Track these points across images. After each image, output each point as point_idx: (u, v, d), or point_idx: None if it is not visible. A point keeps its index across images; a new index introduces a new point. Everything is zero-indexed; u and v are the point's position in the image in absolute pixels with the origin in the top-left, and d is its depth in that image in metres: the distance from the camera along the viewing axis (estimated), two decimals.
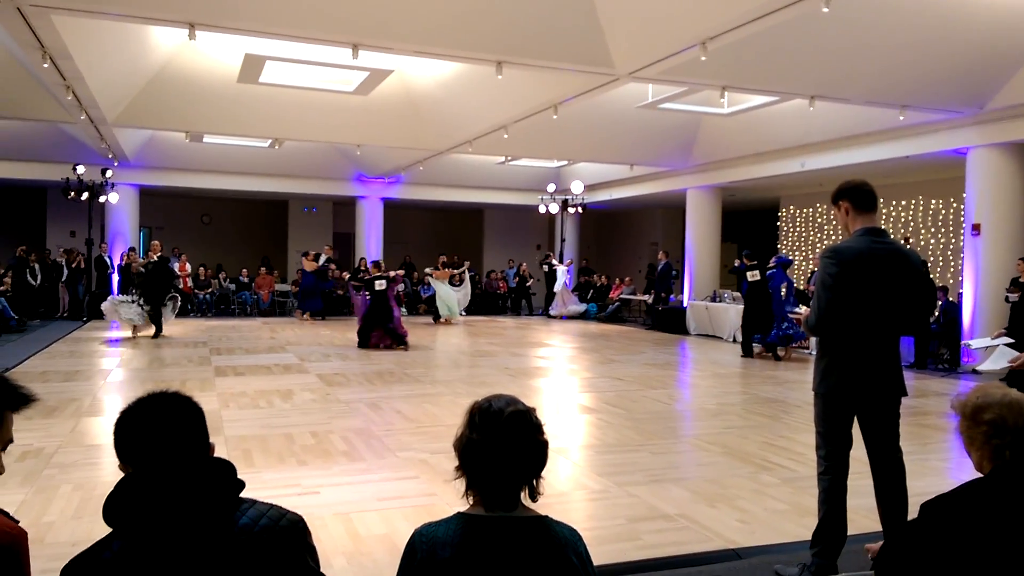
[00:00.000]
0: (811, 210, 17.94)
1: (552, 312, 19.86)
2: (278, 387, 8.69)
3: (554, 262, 20.22)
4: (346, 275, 18.48)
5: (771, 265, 12.19)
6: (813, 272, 15.29)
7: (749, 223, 21.66)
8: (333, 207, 23.17)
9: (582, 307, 20.07)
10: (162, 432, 1.55)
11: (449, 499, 4.71)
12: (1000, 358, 4.54)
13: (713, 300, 16.14)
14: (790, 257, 13.14)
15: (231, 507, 1.56)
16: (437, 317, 18.12)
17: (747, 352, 12.53)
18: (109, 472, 5.30)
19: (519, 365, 11.24)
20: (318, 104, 13.46)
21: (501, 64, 8.91)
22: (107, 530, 1.57)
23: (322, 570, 1.65)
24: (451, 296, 18.10)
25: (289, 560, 1.57)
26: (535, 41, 8.67)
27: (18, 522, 1.68)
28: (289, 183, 19.71)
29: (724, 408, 8.08)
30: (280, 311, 19.71)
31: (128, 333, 13.46)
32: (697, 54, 8.04)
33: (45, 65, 9.07)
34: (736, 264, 13.20)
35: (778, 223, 18.96)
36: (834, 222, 17.06)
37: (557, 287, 19.79)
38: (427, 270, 19.20)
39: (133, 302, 13.18)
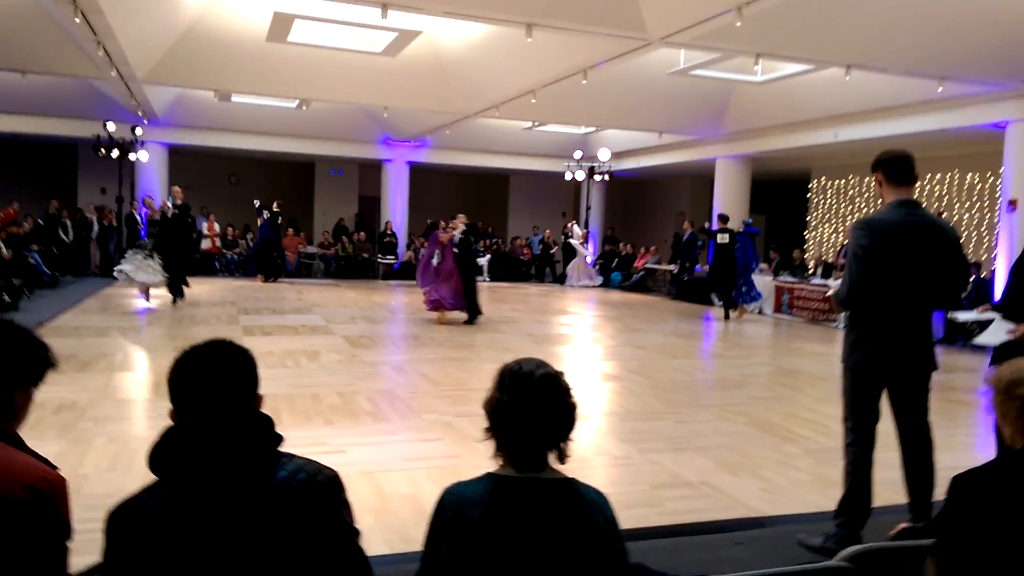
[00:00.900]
0: (843, 182, 17.62)
1: (569, 279, 19.91)
2: (305, 348, 8.80)
3: (571, 236, 20.17)
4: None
5: (740, 231, 13.41)
6: (843, 245, 15.09)
7: (779, 194, 21.34)
8: (359, 170, 23.17)
9: (598, 280, 20.01)
10: (217, 379, 1.58)
11: (473, 461, 4.76)
12: (998, 330, 4.45)
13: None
14: (758, 227, 14.51)
15: (271, 460, 1.59)
16: None
17: (728, 314, 13.48)
18: (141, 426, 5.43)
19: (542, 332, 11.28)
20: (346, 65, 13.39)
21: (531, 27, 8.78)
22: (139, 482, 1.61)
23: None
24: None
25: (326, 514, 1.60)
26: (566, 3, 8.52)
27: (57, 470, 1.73)
28: (316, 144, 19.71)
29: (748, 379, 8.05)
30: (307, 272, 19.87)
31: (144, 301, 11.97)
32: (732, 19, 7.86)
33: (76, 20, 9.09)
34: (706, 226, 14.62)
35: (808, 194, 18.67)
36: (866, 194, 16.76)
37: (576, 259, 19.81)
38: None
39: (145, 256, 11.59)
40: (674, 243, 20.18)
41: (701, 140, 17.24)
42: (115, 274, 12.02)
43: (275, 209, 17.73)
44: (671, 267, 19.10)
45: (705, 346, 11.17)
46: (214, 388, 1.57)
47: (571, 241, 19.96)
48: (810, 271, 15.55)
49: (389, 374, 7.65)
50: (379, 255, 20.45)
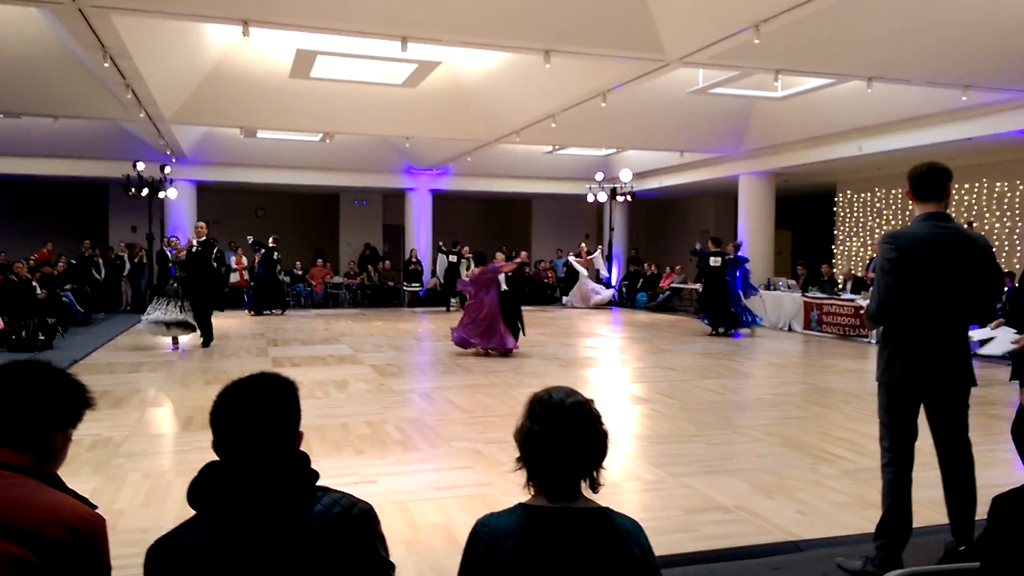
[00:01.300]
0: (869, 195, 17.44)
1: (566, 302, 19.85)
2: (333, 377, 8.84)
3: (570, 258, 20.16)
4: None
5: (729, 255, 13.67)
6: (872, 259, 14.89)
7: (804, 209, 21.17)
8: (383, 199, 23.42)
9: (608, 294, 19.91)
10: (259, 416, 1.61)
11: (504, 489, 4.74)
12: (1003, 341, 4.34)
13: (768, 288, 15.84)
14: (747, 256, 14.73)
15: (308, 496, 1.61)
16: (450, 306, 18.46)
17: (715, 330, 13.78)
18: (174, 461, 5.48)
19: (569, 355, 11.23)
20: (368, 97, 13.60)
21: (549, 53, 8.86)
22: (173, 516, 1.62)
23: None
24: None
25: (361, 548, 1.61)
26: (583, 28, 8.59)
27: (96, 508, 1.75)
28: (340, 176, 20.00)
29: (781, 398, 7.94)
30: (333, 303, 20.04)
31: (170, 345, 11.26)
32: (750, 37, 7.86)
33: (106, 64, 9.35)
34: (697, 247, 14.88)
35: (834, 208, 18.49)
36: (893, 206, 16.56)
37: (578, 283, 19.81)
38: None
39: (173, 304, 10.83)
40: (699, 262, 20.06)
41: (723, 157, 17.19)
42: (143, 327, 11.14)
43: (270, 245, 17.56)
44: (697, 286, 18.97)
45: (735, 366, 11.04)
46: (256, 425, 1.60)
47: (573, 263, 19.90)
48: (839, 286, 15.35)
49: (417, 402, 7.65)
50: (404, 283, 20.58)
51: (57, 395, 1.73)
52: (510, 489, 4.66)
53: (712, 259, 13.77)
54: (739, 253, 13.94)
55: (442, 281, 18.99)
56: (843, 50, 9.44)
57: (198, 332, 11.29)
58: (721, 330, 13.66)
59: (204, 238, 11.72)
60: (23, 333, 11.05)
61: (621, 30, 8.58)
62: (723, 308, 13.57)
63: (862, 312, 12.67)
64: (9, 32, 10.73)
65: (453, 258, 18.84)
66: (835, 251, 18.36)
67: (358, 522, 1.62)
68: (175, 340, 11.23)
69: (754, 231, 17.04)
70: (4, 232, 20.81)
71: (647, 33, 8.61)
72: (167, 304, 10.80)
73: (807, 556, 3.79)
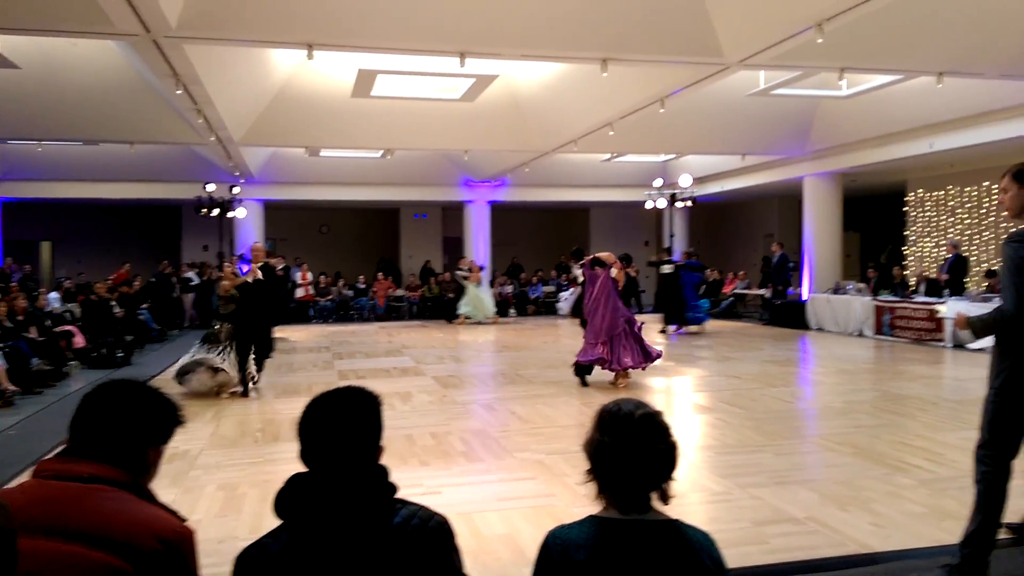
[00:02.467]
0: (942, 193, 16.78)
1: (561, 309, 19.43)
2: (397, 389, 8.98)
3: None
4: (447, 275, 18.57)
5: (681, 264, 15.55)
6: (946, 259, 14.33)
7: (873, 209, 20.52)
8: (442, 212, 23.71)
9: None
10: (344, 429, 1.68)
11: (568, 500, 4.73)
12: None
13: (836, 292, 15.41)
14: (700, 261, 16.77)
15: (388, 507, 1.67)
16: (452, 318, 18.44)
17: (665, 328, 15.11)
18: (247, 473, 5.65)
19: None
20: (427, 113, 13.82)
21: (606, 61, 8.85)
22: (248, 526, 1.69)
23: None
24: (476, 298, 18.29)
25: (438, 559, 1.66)
26: (640, 35, 8.55)
27: (185, 521, 1.81)
28: (400, 191, 20.35)
29: (852, 406, 7.70)
30: (395, 315, 20.35)
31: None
32: (813, 36, 7.70)
33: (178, 91, 9.77)
34: (652, 259, 16.94)
35: (905, 208, 17.87)
36: (968, 204, 15.90)
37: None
38: (459, 272, 19.05)
39: (211, 350, 8.72)
40: (763, 266, 19.66)
41: (787, 159, 16.83)
42: (179, 382, 8.67)
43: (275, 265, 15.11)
44: (762, 291, 18.58)
45: (804, 373, 10.77)
46: (342, 437, 1.67)
47: (577, 273, 19.47)
48: (912, 288, 14.82)
49: (480, 413, 7.70)
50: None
51: (153, 413, 1.81)
52: (575, 500, 4.66)
53: (664, 267, 15.43)
54: (689, 261, 15.91)
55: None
56: (911, 45, 9.15)
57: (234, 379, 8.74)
58: (671, 328, 15.19)
59: (262, 263, 9.32)
60: (103, 350, 11.56)
61: (679, 35, 8.51)
62: (676, 309, 15.03)
63: (938, 316, 12.21)
64: (88, 64, 11.31)
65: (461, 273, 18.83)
66: (906, 253, 17.72)
67: (435, 534, 1.67)
68: (220, 388, 8.71)
69: (820, 233, 16.60)
70: (85, 254, 21.87)
71: (706, 37, 8.52)
72: (208, 350, 8.73)
73: (883, 569, 3.67)
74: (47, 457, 1.77)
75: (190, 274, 19.07)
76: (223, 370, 8.60)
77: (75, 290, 15.65)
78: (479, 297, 18.29)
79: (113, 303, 13.81)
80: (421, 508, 1.72)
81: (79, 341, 11.52)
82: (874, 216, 20.67)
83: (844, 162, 15.48)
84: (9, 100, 11.72)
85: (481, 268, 18.98)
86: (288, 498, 1.65)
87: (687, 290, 15.15)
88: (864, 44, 8.93)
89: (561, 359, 12.01)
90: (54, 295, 14.29)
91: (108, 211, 21.82)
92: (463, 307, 18.26)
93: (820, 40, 7.71)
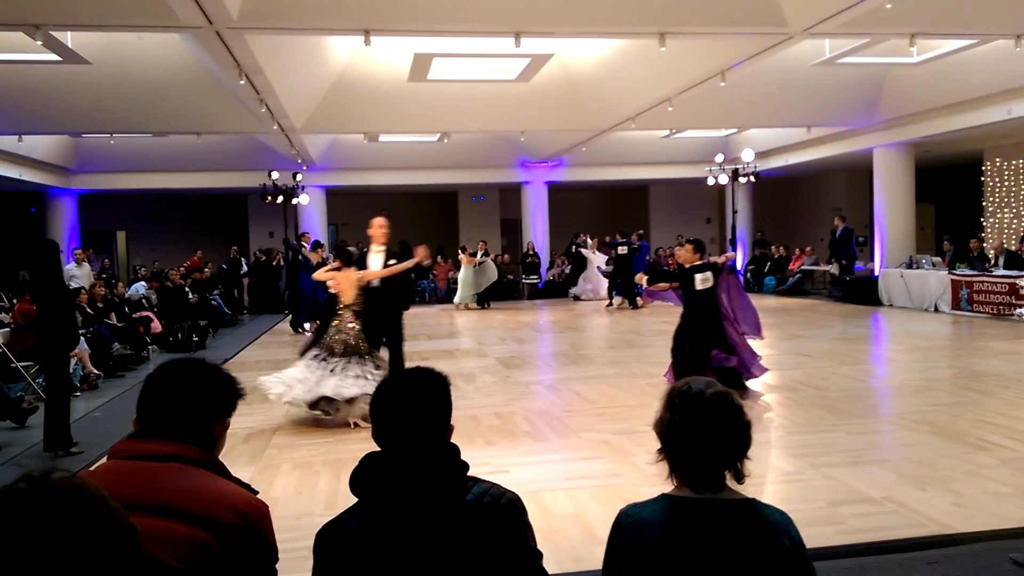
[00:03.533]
0: (1021, 161, 15.98)
1: (574, 292, 18.98)
2: (461, 370, 9.06)
3: (583, 247, 18.94)
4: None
5: (636, 247, 16.92)
6: None
7: (948, 180, 19.69)
8: (499, 194, 23.73)
9: (601, 286, 18.51)
10: (415, 409, 1.71)
11: (635, 479, 4.72)
12: None
13: (909, 267, 14.86)
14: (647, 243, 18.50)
15: (460, 485, 1.69)
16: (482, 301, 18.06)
17: (610, 302, 16.54)
18: (319, 452, 5.80)
19: None
20: (482, 95, 13.81)
21: (664, 36, 8.67)
22: (322, 504, 1.73)
23: None
24: (464, 281, 17.67)
25: (511, 536, 1.68)
26: (699, 7, 8.35)
27: (257, 493, 1.87)
28: (457, 174, 20.43)
29: (929, 384, 7.44)
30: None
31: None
32: (881, 2, 7.39)
33: (242, 82, 9.98)
34: (608, 240, 17.65)
35: (982, 178, 17.08)
36: None
37: (587, 270, 18.84)
38: (462, 257, 18.36)
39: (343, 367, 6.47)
40: (831, 242, 19.10)
41: (855, 130, 16.24)
42: (288, 396, 6.54)
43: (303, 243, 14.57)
44: (830, 267, 18.06)
45: (876, 350, 10.45)
46: (414, 416, 1.70)
47: (583, 251, 18.94)
48: (991, 262, 14.19)
49: (543, 393, 7.72)
50: (523, 276, 20.77)
51: (214, 388, 1.86)
52: (642, 479, 4.64)
53: (620, 248, 16.55)
54: (641, 243, 17.64)
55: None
56: (987, 7, 8.71)
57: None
58: (617, 301, 16.48)
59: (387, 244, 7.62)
60: (179, 335, 12.00)
61: (740, 5, 8.28)
62: (627, 286, 16.15)
63: (1019, 289, 11.68)
64: (155, 58, 11.66)
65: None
66: (984, 224, 16.96)
67: (507, 511, 1.69)
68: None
69: (892, 206, 16.01)
70: (158, 242, 22.69)
71: (768, 5, 8.26)
72: (336, 362, 6.47)
73: (966, 550, 3.56)
74: (120, 440, 1.83)
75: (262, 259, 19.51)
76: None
77: (150, 277, 16.27)
78: (466, 281, 17.64)
79: (187, 289, 14.31)
80: (493, 486, 1.74)
81: (156, 326, 11.99)
82: (949, 187, 19.83)
83: (916, 132, 14.86)
84: (82, 95, 12.18)
85: (474, 254, 18.03)
86: (364, 477, 1.68)
87: (639, 269, 16.42)
88: (936, 7, 8.54)
89: (623, 340, 11.95)
90: (141, 284, 14.87)
91: (178, 200, 22.55)
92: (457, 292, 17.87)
93: (889, 5, 7.39)
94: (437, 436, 1.72)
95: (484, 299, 17.73)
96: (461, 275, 17.89)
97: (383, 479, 1.66)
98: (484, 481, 1.75)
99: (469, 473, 1.75)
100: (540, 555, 1.73)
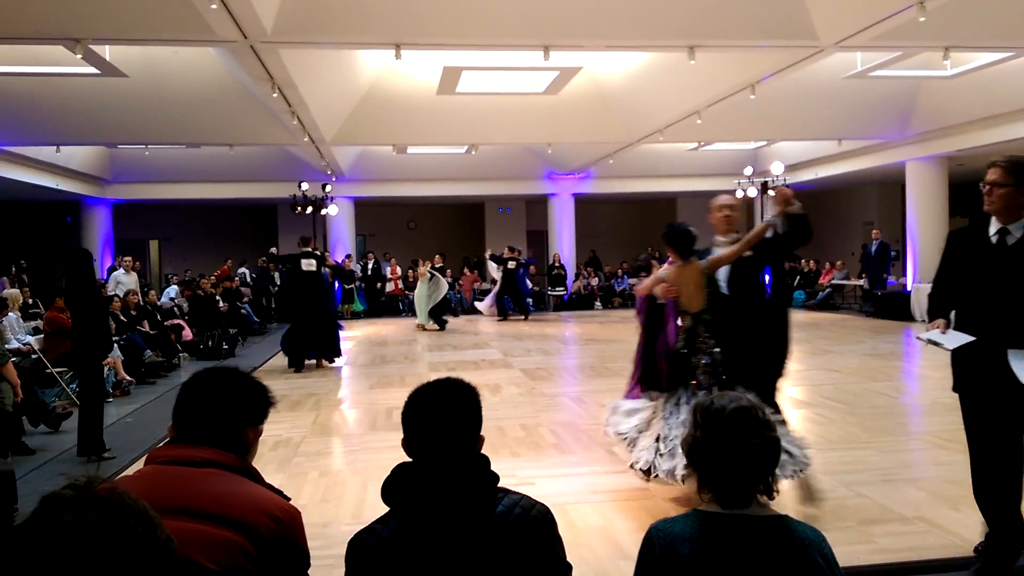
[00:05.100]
0: None
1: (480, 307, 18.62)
2: (486, 381, 9.07)
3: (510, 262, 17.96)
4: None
5: (523, 262, 18.26)
6: None
7: (982, 194, 19.34)
8: (526, 205, 23.79)
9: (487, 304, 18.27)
10: (446, 419, 1.73)
11: (663, 493, 4.68)
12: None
13: None
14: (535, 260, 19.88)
15: (491, 496, 1.70)
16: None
17: (503, 315, 17.65)
18: (347, 461, 5.84)
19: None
20: (510, 107, 13.89)
21: (694, 49, 8.66)
22: (350, 512, 1.74)
23: None
24: (419, 298, 16.04)
25: (540, 548, 1.68)
26: (729, 20, 8.33)
27: (289, 499, 1.89)
28: (484, 185, 20.52)
29: None
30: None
31: None
32: (914, 15, 7.31)
33: (274, 95, 10.15)
34: (498, 254, 18.46)
35: None
36: None
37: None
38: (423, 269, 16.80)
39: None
40: (862, 255, 18.84)
41: (887, 143, 16.05)
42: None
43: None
44: (861, 282, 17.82)
45: (908, 367, 10.28)
46: (444, 427, 1.72)
47: (491, 266, 18.42)
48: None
49: (569, 405, 7.70)
50: (549, 287, 20.77)
51: (246, 395, 1.90)
52: (669, 494, 4.60)
53: (509, 263, 17.49)
54: (526, 259, 18.84)
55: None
56: (1021, 20, 8.57)
57: None
58: (508, 314, 17.68)
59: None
60: (209, 343, 12.16)
61: (770, 18, 8.24)
62: (517, 299, 17.67)
63: None
64: (190, 72, 11.90)
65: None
66: None
67: (537, 523, 1.69)
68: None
69: (924, 220, 15.76)
70: (189, 251, 23.07)
71: (799, 18, 8.22)
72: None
73: None
74: (158, 446, 1.88)
75: (242, 270, 19.50)
76: None
77: (182, 285, 16.52)
78: (421, 297, 15.96)
79: (217, 298, 14.50)
80: (523, 497, 1.75)
81: (187, 334, 12.16)
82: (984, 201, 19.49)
83: (950, 145, 14.65)
84: (118, 107, 12.46)
85: (441, 270, 16.47)
86: (395, 486, 1.70)
87: (523, 284, 18.13)
88: (970, 21, 8.43)
89: None
90: (173, 289, 15.12)
91: (210, 210, 22.91)
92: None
93: (922, 19, 7.31)
94: (468, 447, 1.73)
95: (437, 315, 15.82)
96: (416, 293, 16.35)
97: (414, 489, 1.67)
98: (514, 492, 1.75)
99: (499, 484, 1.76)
100: (569, 568, 1.73)
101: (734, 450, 1.65)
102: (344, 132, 13.84)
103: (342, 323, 13.44)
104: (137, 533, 1.15)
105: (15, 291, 10.78)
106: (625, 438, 4.63)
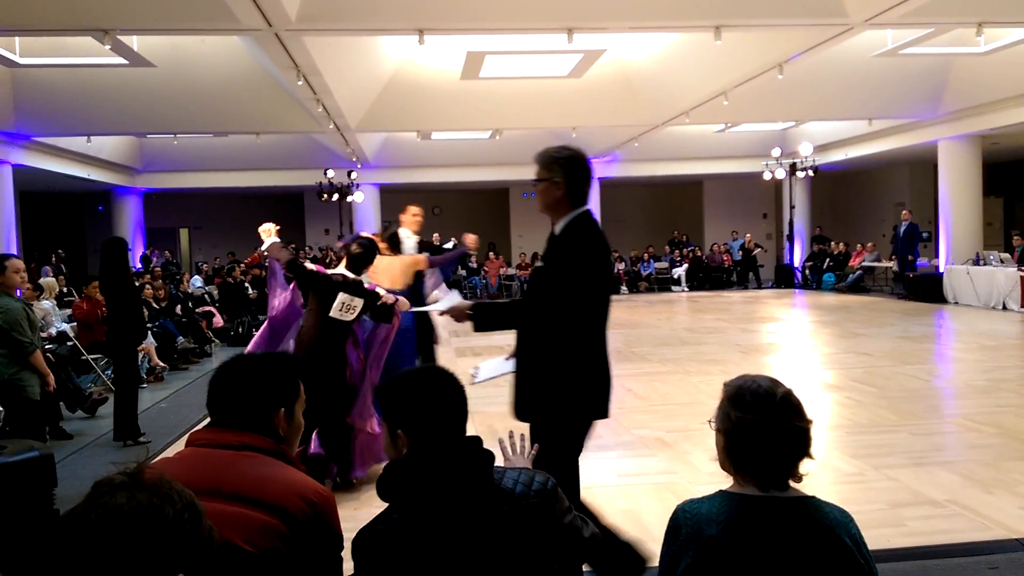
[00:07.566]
0: None
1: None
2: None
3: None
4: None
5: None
6: None
7: (1017, 173, 18.94)
8: None
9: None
10: (431, 406, 1.74)
11: (690, 476, 4.69)
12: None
13: (976, 263, 14.35)
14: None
15: (487, 475, 1.72)
16: None
17: None
18: None
19: (750, 341, 10.81)
20: (534, 91, 13.82)
21: (720, 28, 8.54)
22: (348, 506, 1.77)
23: None
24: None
25: (548, 517, 1.72)
26: None
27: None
28: (509, 171, 20.44)
29: (996, 384, 7.18)
30: (507, 294, 20.59)
31: None
32: None
33: (299, 83, 10.20)
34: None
35: None
36: None
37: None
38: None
39: None
40: (893, 237, 18.56)
41: (918, 123, 15.73)
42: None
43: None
44: (892, 264, 17.56)
45: (941, 349, 10.13)
46: (430, 415, 1.72)
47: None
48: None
49: None
50: None
51: (276, 379, 1.91)
52: (697, 477, 4.61)
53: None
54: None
55: None
56: None
57: None
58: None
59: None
60: (239, 330, 12.33)
61: None
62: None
63: None
64: (216, 61, 12.00)
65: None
66: None
67: (540, 494, 1.72)
68: None
69: (957, 201, 15.45)
70: (219, 239, 23.35)
71: None
72: None
73: None
74: (197, 429, 1.92)
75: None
76: None
77: (212, 273, 16.75)
78: None
79: (247, 285, 14.69)
80: (522, 471, 1.77)
81: (218, 321, 12.35)
82: (1019, 180, 19.08)
83: (983, 123, 14.31)
84: (146, 97, 12.60)
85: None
86: (391, 481, 1.70)
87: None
88: None
89: (676, 337, 11.84)
90: (196, 279, 15.35)
91: (238, 198, 23.15)
92: None
93: None
94: (456, 431, 1.74)
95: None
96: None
97: (411, 480, 1.68)
98: (511, 469, 1.78)
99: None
100: (579, 528, 1.79)
101: (783, 433, 1.66)
102: (369, 119, 13.88)
103: None
104: (184, 519, 1.19)
105: (51, 279, 11.02)
106: None
